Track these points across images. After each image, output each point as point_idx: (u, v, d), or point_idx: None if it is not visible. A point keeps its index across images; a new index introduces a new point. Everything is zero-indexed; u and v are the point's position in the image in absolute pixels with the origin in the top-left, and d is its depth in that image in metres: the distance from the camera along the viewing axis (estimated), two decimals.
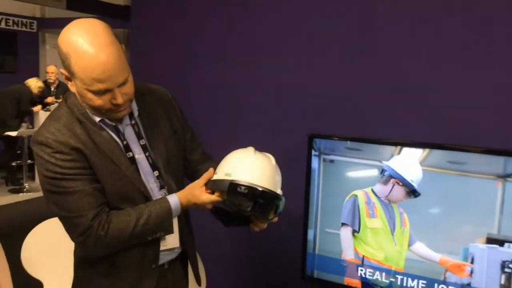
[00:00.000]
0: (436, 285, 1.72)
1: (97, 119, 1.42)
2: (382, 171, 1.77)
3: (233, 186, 1.39)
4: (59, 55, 1.33)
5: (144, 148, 1.51)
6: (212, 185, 1.45)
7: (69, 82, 1.37)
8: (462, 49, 1.87)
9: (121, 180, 1.43)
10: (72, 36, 1.30)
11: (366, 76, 2.03)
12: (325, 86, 2.11)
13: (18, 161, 5.86)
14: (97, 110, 1.37)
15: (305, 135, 1.92)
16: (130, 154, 1.47)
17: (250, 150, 1.51)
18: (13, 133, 5.49)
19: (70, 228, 1.40)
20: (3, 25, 7.76)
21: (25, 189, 5.67)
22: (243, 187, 1.39)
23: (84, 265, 1.52)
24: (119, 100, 1.35)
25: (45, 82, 6.34)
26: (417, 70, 1.94)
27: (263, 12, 2.25)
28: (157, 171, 1.52)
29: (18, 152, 5.93)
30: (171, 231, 1.48)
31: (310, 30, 2.14)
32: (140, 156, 1.50)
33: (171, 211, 1.45)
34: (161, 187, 1.53)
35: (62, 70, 1.37)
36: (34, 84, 5.93)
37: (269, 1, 2.24)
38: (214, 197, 1.44)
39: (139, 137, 1.51)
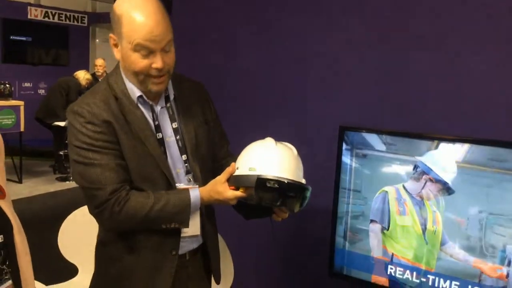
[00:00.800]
0: (470, 286, 1.63)
1: (136, 95, 1.47)
2: (415, 167, 1.69)
3: (261, 181, 1.36)
4: (112, 21, 1.43)
5: (175, 131, 1.53)
6: (236, 181, 1.42)
7: (115, 49, 1.45)
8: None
9: (146, 160, 1.45)
10: (128, 1, 1.41)
11: (402, 65, 1.95)
12: (360, 76, 2.05)
13: (66, 151, 6.08)
14: (138, 75, 1.42)
15: (336, 128, 1.87)
16: (160, 135, 1.49)
17: (270, 141, 1.47)
18: (62, 123, 5.70)
19: (89, 199, 1.43)
20: (56, 20, 8.07)
21: (71, 178, 5.88)
22: (272, 182, 1.36)
23: (104, 245, 1.55)
24: (159, 63, 1.40)
25: (93, 74, 6.54)
26: (461, 59, 1.85)
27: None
28: (185, 155, 1.53)
29: (66, 142, 6.15)
30: (186, 225, 1.47)
31: (344, 18, 2.09)
32: (170, 139, 1.52)
33: (189, 204, 1.45)
34: (187, 172, 1.54)
35: (112, 35, 1.44)
36: (82, 76, 6.14)
37: None
38: (239, 193, 1.42)
39: (172, 120, 1.53)
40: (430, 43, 1.91)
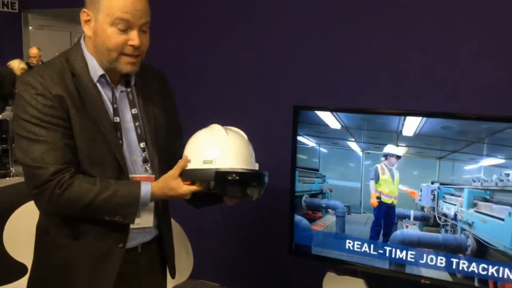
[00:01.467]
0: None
1: (99, 73, 1.39)
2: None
3: (221, 175, 1.32)
4: None
5: (134, 118, 1.46)
6: (191, 176, 1.36)
7: (86, 26, 1.38)
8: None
9: (98, 143, 1.37)
10: None
11: (352, 44, 1.97)
12: (314, 57, 2.05)
13: (4, 145, 5.76)
14: (111, 51, 1.35)
15: (291, 106, 1.86)
16: (117, 119, 1.42)
17: (220, 129, 1.41)
18: None
19: (29, 177, 1.34)
20: None
21: (11, 174, 5.59)
22: (233, 175, 1.32)
23: (45, 232, 1.45)
24: (136, 41, 1.34)
25: (27, 64, 6.20)
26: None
27: None
28: (143, 143, 1.46)
29: (3, 136, 5.83)
30: (131, 220, 1.38)
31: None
32: (129, 124, 1.45)
33: (138, 198, 1.36)
34: (145, 161, 1.47)
35: (85, 10, 1.37)
36: (16, 65, 5.79)
37: None
38: (195, 188, 1.37)
39: (132, 105, 1.46)
40: (378, 25, 1.93)
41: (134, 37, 1.35)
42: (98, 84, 1.41)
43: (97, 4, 1.34)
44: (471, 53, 1.85)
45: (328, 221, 1.85)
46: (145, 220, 1.44)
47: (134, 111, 1.46)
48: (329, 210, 1.85)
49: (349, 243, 1.82)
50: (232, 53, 2.24)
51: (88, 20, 1.38)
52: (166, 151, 1.52)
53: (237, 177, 1.32)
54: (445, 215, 1.67)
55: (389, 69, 1.96)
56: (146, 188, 1.38)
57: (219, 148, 1.37)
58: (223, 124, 1.44)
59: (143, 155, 1.46)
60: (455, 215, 1.65)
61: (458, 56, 1.87)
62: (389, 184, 1.77)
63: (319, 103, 1.87)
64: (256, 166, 1.42)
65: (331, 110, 1.80)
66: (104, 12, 1.33)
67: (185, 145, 1.45)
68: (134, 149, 1.45)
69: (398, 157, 1.74)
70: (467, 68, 1.84)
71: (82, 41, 1.44)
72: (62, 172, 1.33)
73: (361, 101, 1.90)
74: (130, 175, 1.43)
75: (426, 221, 1.71)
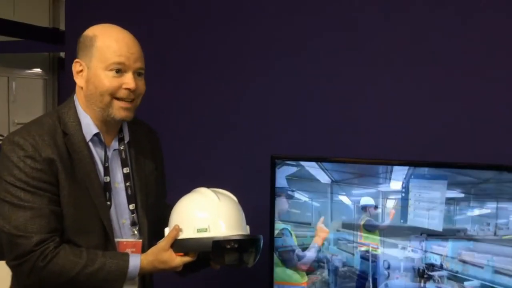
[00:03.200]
0: None
1: (93, 132, 1.33)
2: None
3: (218, 244, 1.25)
4: (80, 46, 1.36)
5: (125, 177, 1.39)
6: (184, 247, 1.29)
7: (79, 76, 1.33)
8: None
9: (85, 209, 1.29)
10: (104, 25, 1.38)
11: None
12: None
13: None
14: (104, 96, 1.30)
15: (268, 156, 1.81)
16: (107, 179, 1.34)
17: (209, 193, 1.36)
18: None
19: (9, 246, 1.24)
20: None
21: None
22: (232, 243, 1.26)
23: None
24: (131, 84, 1.30)
25: None
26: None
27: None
28: (133, 205, 1.38)
29: None
30: None
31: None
32: (119, 185, 1.38)
33: (126, 273, 1.28)
34: (133, 224, 1.38)
35: (78, 60, 1.33)
36: None
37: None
38: (188, 258, 1.31)
39: (124, 165, 1.39)
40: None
41: (129, 80, 1.30)
42: (90, 143, 1.33)
43: (90, 51, 1.31)
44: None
45: (322, 275, 1.77)
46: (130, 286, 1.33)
47: (126, 170, 1.39)
48: (322, 263, 1.78)
49: None
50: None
51: (81, 71, 1.33)
52: (155, 214, 1.44)
53: (236, 245, 1.27)
54: (432, 265, 1.65)
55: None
56: (134, 262, 1.29)
57: (212, 215, 1.31)
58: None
59: (132, 217, 1.37)
60: (441, 265, 1.64)
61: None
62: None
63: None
64: (247, 229, 1.36)
65: (310, 159, 1.77)
66: (97, 58, 1.30)
67: (171, 211, 1.37)
68: (122, 211, 1.38)
69: (376, 207, 1.72)
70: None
71: (75, 97, 1.38)
72: (47, 242, 1.23)
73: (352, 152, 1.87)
74: (116, 239, 1.35)
75: (415, 272, 1.68)
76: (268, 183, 1.79)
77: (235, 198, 1.41)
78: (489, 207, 1.59)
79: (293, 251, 1.78)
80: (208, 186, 1.44)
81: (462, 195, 1.60)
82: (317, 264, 1.77)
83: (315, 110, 2.01)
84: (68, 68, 2.44)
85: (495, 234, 1.58)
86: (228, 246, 1.26)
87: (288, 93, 2.05)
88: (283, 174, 1.78)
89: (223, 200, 1.35)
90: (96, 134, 1.35)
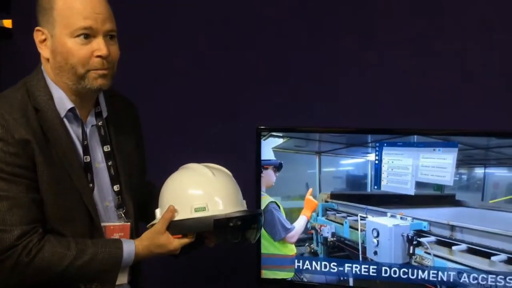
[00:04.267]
0: None
1: (68, 107, 1.19)
2: None
3: (220, 222, 1.18)
4: (39, 11, 1.19)
5: (107, 156, 1.27)
6: (182, 228, 1.21)
7: (43, 46, 1.18)
8: None
9: (67, 193, 1.18)
10: None
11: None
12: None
13: None
14: (77, 68, 1.15)
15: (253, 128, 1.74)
16: (88, 158, 1.22)
17: (202, 169, 1.27)
18: None
19: None
20: None
21: None
22: (235, 220, 1.19)
23: None
24: (103, 50, 1.14)
25: None
26: None
27: None
28: (118, 186, 1.28)
29: None
30: (111, 286, 1.20)
31: None
32: (100, 165, 1.27)
33: (120, 262, 1.20)
34: (119, 206, 1.28)
35: (39, 28, 1.17)
36: None
37: None
38: (187, 240, 1.23)
39: (103, 142, 1.27)
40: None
41: (100, 46, 1.16)
42: (65, 120, 1.20)
43: (51, 17, 1.15)
44: None
45: (310, 246, 1.75)
46: (119, 278, 1.25)
47: (107, 148, 1.28)
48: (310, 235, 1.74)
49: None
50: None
51: (44, 40, 1.18)
52: (139, 194, 1.35)
53: (239, 222, 1.20)
54: (420, 231, 1.67)
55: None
56: (129, 249, 1.21)
57: (208, 192, 1.23)
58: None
59: (117, 199, 1.28)
60: (429, 230, 1.65)
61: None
62: None
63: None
64: (244, 204, 1.30)
65: (295, 130, 1.72)
66: (60, 23, 1.14)
67: (162, 191, 1.29)
68: (106, 193, 1.28)
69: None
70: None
71: (42, 68, 1.22)
72: (29, 234, 1.12)
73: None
74: (102, 224, 1.25)
75: (404, 239, 1.69)
76: (253, 155, 1.74)
77: (229, 172, 1.34)
78: (476, 173, 1.60)
79: (281, 224, 1.75)
80: (198, 162, 1.37)
81: (455, 161, 1.60)
82: (306, 235, 1.75)
83: (301, 79, 1.95)
84: (16, 39, 2.30)
85: (482, 199, 1.60)
86: (231, 224, 1.19)
87: (274, 62, 1.97)
88: (269, 146, 1.73)
89: (218, 176, 1.27)
90: (71, 109, 1.22)
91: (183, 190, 1.26)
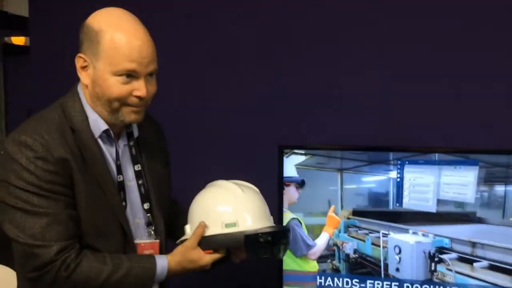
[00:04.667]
0: None
1: (102, 128, 1.22)
2: None
3: (251, 238, 1.21)
4: (84, 38, 1.20)
5: (137, 175, 1.30)
6: (213, 243, 1.24)
7: (83, 72, 1.19)
8: None
9: (102, 209, 1.21)
10: (110, 13, 1.22)
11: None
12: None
13: None
14: (112, 102, 1.18)
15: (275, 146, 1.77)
16: (121, 177, 1.26)
17: (232, 186, 1.31)
18: None
19: (26, 258, 1.16)
20: None
21: None
22: (264, 236, 1.22)
23: None
24: (143, 92, 1.18)
25: None
26: None
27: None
28: (148, 204, 1.31)
29: None
30: None
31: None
32: (131, 183, 1.30)
33: (153, 277, 1.22)
34: (149, 224, 1.31)
35: (82, 56, 1.19)
36: None
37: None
38: (218, 255, 1.26)
39: (134, 162, 1.30)
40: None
41: (140, 88, 1.18)
42: (99, 140, 1.24)
43: (97, 50, 1.17)
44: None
45: (332, 263, 1.77)
46: None
47: (137, 167, 1.31)
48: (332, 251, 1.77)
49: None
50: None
51: (85, 67, 1.20)
52: (167, 212, 1.38)
53: (269, 238, 1.23)
54: (442, 248, 1.68)
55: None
56: (162, 264, 1.24)
57: (238, 208, 1.26)
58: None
59: (147, 217, 1.31)
60: (451, 247, 1.67)
61: None
62: None
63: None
64: (272, 221, 1.33)
65: (317, 148, 1.75)
66: (105, 59, 1.16)
67: (191, 207, 1.32)
68: (136, 210, 1.31)
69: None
70: None
71: (79, 89, 1.26)
72: (67, 249, 1.15)
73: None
74: (136, 242, 1.28)
75: (426, 255, 1.71)
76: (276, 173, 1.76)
77: (257, 189, 1.37)
78: (497, 190, 1.62)
79: (303, 240, 1.77)
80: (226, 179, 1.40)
81: (476, 179, 1.62)
82: (328, 252, 1.77)
83: (323, 98, 1.98)
84: (34, 57, 2.35)
85: (503, 216, 1.62)
86: (261, 240, 1.22)
87: (295, 83, 2.01)
88: (292, 163, 1.76)
89: (247, 192, 1.30)
90: (105, 131, 1.25)
91: (213, 206, 1.28)
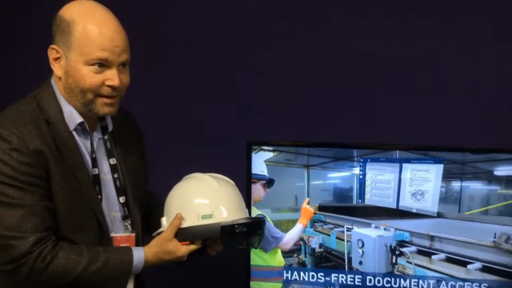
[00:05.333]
0: None
1: (77, 121, 1.23)
2: None
3: (227, 229, 1.24)
4: (56, 30, 1.20)
5: (113, 168, 1.31)
6: (190, 234, 1.27)
7: (56, 64, 1.20)
8: None
9: (79, 202, 1.21)
10: (82, 4, 1.22)
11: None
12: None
13: None
14: (86, 93, 1.19)
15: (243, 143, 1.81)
16: (96, 170, 1.26)
17: (207, 178, 1.34)
18: None
19: (1, 250, 1.15)
20: None
21: None
22: (240, 226, 1.25)
23: None
24: (116, 80, 1.18)
25: None
26: None
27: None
28: (123, 197, 1.31)
29: None
30: None
31: None
32: (106, 176, 1.30)
33: (131, 268, 1.23)
34: (125, 217, 1.31)
35: (54, 47, 1.19)
36: None
37: None
38: (194, 247, 1.28)
39: (109, 155, 1.31)
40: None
41: (112, 77, 1.19)
42: (74, 133, 1.24)
43: (69, 40, 1.18)
44: None
45: (298, 257, 1.81)
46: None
47: (113, 161, 1.32)
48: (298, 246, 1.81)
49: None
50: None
51: (58, 58, 1.20)
52: (143, 205, 1.38)
53: (245, 229, 1.27)
54: (402, 241, 1.76)
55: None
56: (138, 256, 1.25)
57: (214, 200, 1.30)
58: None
59: (123, 210, 1.31)
60: (411, 241, 1.75)
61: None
62: None
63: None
64: (247, 213, 1.36)
65: (291, 145, 1.79)
66: (77, 50, 1.17)
67: (167, 199, 1.33)
68: (112, 204, 1.31)
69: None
70: None
71: (52, 81, 1.25)
72: (44, 241, 1.14)
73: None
74: (112, 235, 1.29)
75: (387, 249, 1.78)
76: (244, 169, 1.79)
77: (232, 182, 1.40)
78: (454, 186, 1.72)
79: (271, 235, 1.81)
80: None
81: (440, 176, 1.71)
82: (294, 246, 1.81)
83: (292, 94, 2.03)
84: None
85: (459, 211, 1.72)
86: (237, 231, 1.25)
87: (265, 78, 2.05)
88: (260, 159, 1.79)
89: (222, 185, 1.34)
90: (80, 123, 1.26)
91: (189, 198, 1.31)
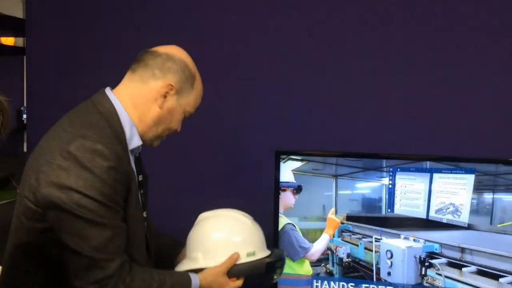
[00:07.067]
0: None
1: (138, 144, 1.27)
2: None
3: (271, 265, 1.38)
4: (176, 70, 1.29)
5: (140, 185, 1.36)
6: (242, 271, 1.36)
7: (161, 98, 1.25)
8: None
9: (138, 221, 1.26)
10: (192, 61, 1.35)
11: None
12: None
13: None
14: (164, 131, 1.31)
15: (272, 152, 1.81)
16: (142, 191, 1.33)
17: (241, 218, 1.44)
18: None
19: (86, 271, 1.13)
20: None
21: None
22: (280, 262, 1.41)
23: None
24: (179, 130, 1.35)
25: None
26: None
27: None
28: (145, 212, 1.37)
29: None
30: None
31: None
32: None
33: None
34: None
35: (172, 85, 1.25)
36: None
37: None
38: (240, 283, 1.37)
39: (139, 172, 1.36)
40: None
41: (180, 126, 1.36)
42: (130, 154, 1.27)
43: (188, 89, 1.30)
44: None
45: (326, 266, 1.81)
46: None
47: (141, 177, 1.35)
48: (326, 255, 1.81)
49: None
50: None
51: (166, 95, 1.26)
52: None
53: (281, 264, 1.42)
54: (432, 253, 1.74)
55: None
56: (195, 282, 1.30)
57: (252, 238, 1.41)
58: None
59: (145, 226, 1.35)
60: (441, 252, 1.73)
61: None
62: None
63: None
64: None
65: (314, 154, 1.79)
66: (188, 101, 1.31)
67: (198, 236, 1.42)
68: None
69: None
70: None
71: (113, 97, 1.25)
72: (125, 263, 1.16)
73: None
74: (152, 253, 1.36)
75: (416, 260, 1.76)
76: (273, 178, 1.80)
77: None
78: (486, 198, 1.69)
79: (299, 244, 1.81)
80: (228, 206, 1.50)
81: (472, 186, 1.69)
82: (322, 256, 1.81)
83: (320, 104, 2.02)
84: (28, 58, 2.34)
85: (491, 223, 1.68)
86: (278, 266, 1.40)
87: (293, 88, 2.04)
88: (288, 168, 1.80)
89: (252, 221, 1.46)
90: (138, 147, 1.31)
91: (229, 237, 1.40)
